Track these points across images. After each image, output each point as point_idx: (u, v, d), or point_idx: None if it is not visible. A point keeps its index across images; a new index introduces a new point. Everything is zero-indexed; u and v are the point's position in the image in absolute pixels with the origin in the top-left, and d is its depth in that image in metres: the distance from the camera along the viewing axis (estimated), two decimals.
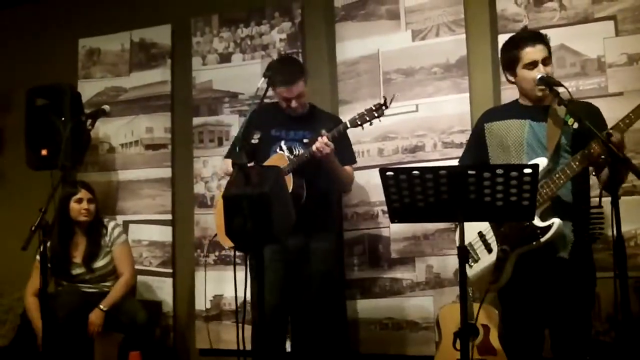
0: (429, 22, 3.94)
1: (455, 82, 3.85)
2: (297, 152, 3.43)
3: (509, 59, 2.89)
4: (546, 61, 2.81)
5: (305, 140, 3.42)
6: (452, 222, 3.26)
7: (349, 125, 3.28)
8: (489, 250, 2.87)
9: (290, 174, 3.31)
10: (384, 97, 3.25)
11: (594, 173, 2.83)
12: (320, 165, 3.34)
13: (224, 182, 3.52)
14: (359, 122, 3.25)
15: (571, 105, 2.71)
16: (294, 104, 3.44)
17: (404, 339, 3.85)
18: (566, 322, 2.77)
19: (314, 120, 3.52)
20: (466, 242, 2.92)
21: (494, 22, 3.82)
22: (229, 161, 3.52)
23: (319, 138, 3.23)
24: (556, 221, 2.71)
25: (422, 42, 3.96)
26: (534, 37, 2.86)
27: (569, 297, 2.75)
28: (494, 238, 2.85)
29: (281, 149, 3.46)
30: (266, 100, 3.76)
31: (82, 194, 3.92)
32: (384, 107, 3.23)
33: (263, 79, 3.18)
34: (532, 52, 2.81)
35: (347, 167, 3.53)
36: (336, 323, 3.56)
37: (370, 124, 3.26)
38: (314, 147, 3.23)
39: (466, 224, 2.95)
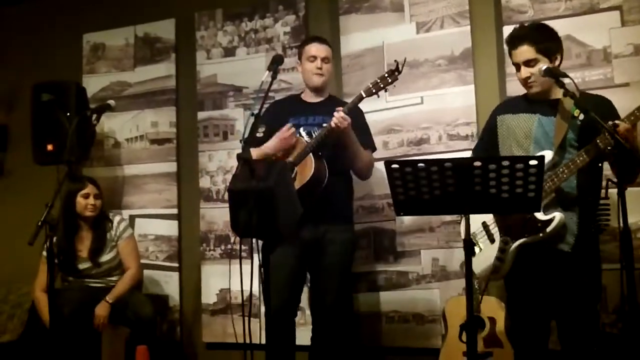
0: (434, 14, 3.93)
1: (460, 74, 3.84)
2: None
3: (508, 54, 2.94)
4: (530, 63, 2.79)
5: (324, 125, 3.35)
6: (458, 215, 3.26)
7: (364, 95, 3.27)
8: (492, 241, 2.87)
9: (311, 155, 3.27)
10: (395, 61, 3.25)
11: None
12: (339, 146, 3.31)
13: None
14: (374, 90, 3.26)
15: (581, 97, 2.70)
16: (318, 63, 3.46)
17: (410, 331, 3.86)
18: (571, 314, 2.76)
19: (333, 106, 3.42)
20: (471, 232, 2.94)
21: (499, 13, 3.80)
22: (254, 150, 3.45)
23: (335, 113, 3.21)
24: (557, 215, 2.71)
25: (426, 34, 3.95)
26: (519, 38, 2.84)
27: (572, 289, 2.75)
28: (497, 229, 2.86)
29: (300, 135, 3.40)
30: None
31: (89, 189, 3.93)
32: (396, 73, 3.24)
33: (268, 72, 3.17)
34: (515, 55, 2.84)
35: (366, 151, 3.47)
36: (350, 315, 3.56)
37: (386, 91, 3.29)
38: (332, 123, 3.21)
39: (471, 215, 2.97)
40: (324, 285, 3.42)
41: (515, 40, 2.84)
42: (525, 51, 2.80)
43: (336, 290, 3.42)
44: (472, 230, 2.88)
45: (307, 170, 3.24)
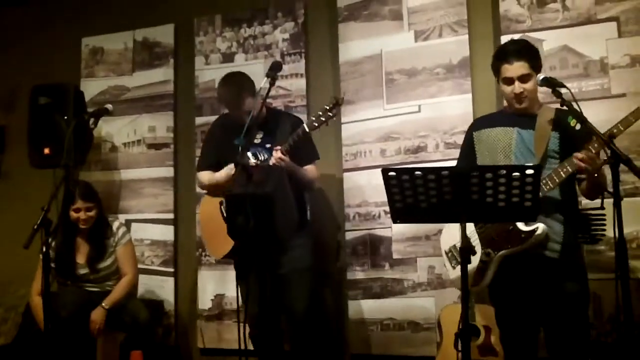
0: (432, 22, 3.95)
1: (458, 82, 3.85)
2: (262, 157, 3.43)
3: (494, 69, 2.93)
4: (525, 78, 2.81)
5: (267, 146, 3.43)
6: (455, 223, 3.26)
7: (307, 129, 3.28)
8: (473, 253, 2.86)
9: None
10: (334, 97, 3.29)
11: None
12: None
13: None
14: (316, 124, 3.26)
15: (557, 112, 2.78)
16: (246, 119, 3.35)
17: (405, 339, 3.85)
18: (557, 322, 2.77)
19: (274, 124, 3.51)
20: (451, 245, 2.95)
21: (497, 22, 3.82)
22: (203, 174, 3.62)
23: (274, 153, 3.26)
24: (540, 225, 2.71)
25: (424, 42, 3.96)
26: (514, 53, 2.84)
27: (558, 297, 2.75)
28: (477, 241, 2.85)
29: (247, 156, 3.46)
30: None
31: (79, 204, 3.84)
32: (338, 105, 3.27)
33: (266, 78, 3.20)
34: (508, 69, 2.82)
35: (309, 167, 3.53)
36: (319, 319, 3.58)
37: (327, 124, 3.28)
38: (271, 162, 3.28)
39: (450, 228, 2.97)
40: (290, 294, 3.45)
41: (510, 56, 2.83)
42: (522, 67, 2.81)
43: (303, 294, 3.46)
44: (452, 243, 2.92)
45: None
